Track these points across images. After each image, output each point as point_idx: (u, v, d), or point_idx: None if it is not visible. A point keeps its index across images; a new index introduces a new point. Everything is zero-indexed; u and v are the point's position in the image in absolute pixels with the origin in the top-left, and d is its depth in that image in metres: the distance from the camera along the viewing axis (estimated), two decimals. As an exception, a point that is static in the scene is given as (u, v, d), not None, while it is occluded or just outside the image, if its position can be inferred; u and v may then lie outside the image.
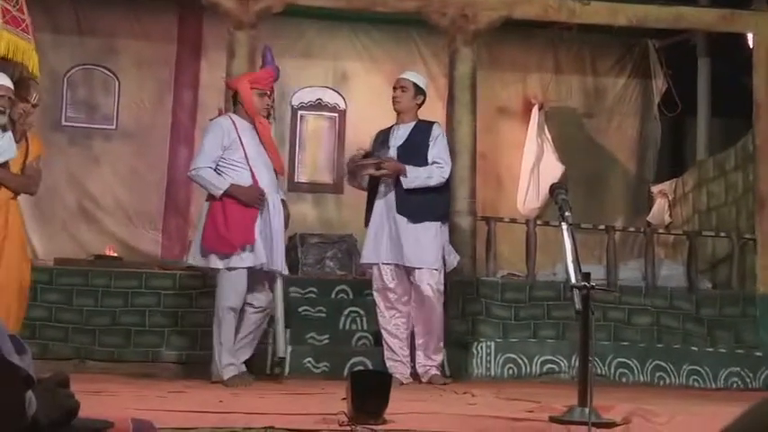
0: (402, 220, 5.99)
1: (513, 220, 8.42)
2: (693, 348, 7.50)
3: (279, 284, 5.96)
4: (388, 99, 9.97)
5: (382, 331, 6.13)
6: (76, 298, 7.16)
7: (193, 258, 5.86)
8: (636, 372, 7.34)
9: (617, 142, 10.55)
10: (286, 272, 6.01)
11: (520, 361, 7.22)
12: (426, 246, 5.97)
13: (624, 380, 7.28)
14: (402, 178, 5.96)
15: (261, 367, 6.90)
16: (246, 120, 5.87)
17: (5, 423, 2.01)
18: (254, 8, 8.16)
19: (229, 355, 5.71)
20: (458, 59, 8.38)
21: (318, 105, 10.14)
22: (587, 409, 3.23)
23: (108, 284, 7.20)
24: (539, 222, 8.07)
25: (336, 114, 10.15)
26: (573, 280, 3.39)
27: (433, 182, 6.01)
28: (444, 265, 6.10)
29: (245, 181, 5.71)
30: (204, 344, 7.04)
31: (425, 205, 5.99)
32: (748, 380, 7.40)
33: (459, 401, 4.56)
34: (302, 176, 10.02)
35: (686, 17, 8.88)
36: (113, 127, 9.74)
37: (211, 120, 6.08)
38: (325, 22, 9.86)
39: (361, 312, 7.21)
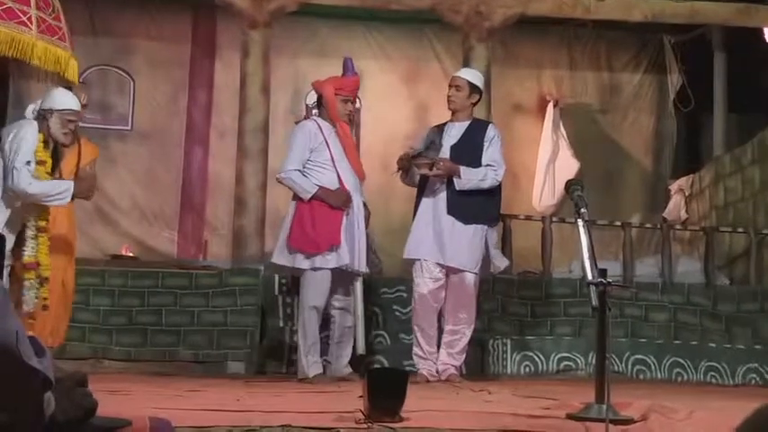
0: (450, 220, 5.92)
1: (528, 217, 8.39)
2: (711, 345, 7.46)
3: (359, 284, 6.02)
4: (402, 97, 10.06)
5: (414, 327, 6.10)
6: (93, 298, 7.18)
7: (279, 257, 5.98)
8: (653, 368, 7.31)
9: (633, 138, 10.51)
10: (366, 270, 6.07)
11: (536, 358, 7.20)
12: (471, 248, 5.91)
13: (641, 377, 7.25)
14: (455, 179, 5.88)
15: (277, 365, 6.92)
16: (330, 123, 6.00)
17: (24, 424, 2.03)
18: (268, 8, 8.19)
19: (315, 353, 5.83)
20: (472, 57, 8.38)
21: (333, 104, 10.13)
22: (605, 406, 3.21)
23: (124, 284, 7.23)
24: (554, 219, 8.05)
25: (351, 113, 10.14)
26: (589, 277, 3.37)
27: (486, 184, 5.92)
28: (491, 267, 6.08)
29: (331, 182, 5.86)
30: (220, 342, 7.07)
31: (475, 207, 5.91)
32: (767, 376, 7.36)
33: (475, 399, 4.55)
34: (317, 175, 10.01)
35: (702, 12, 8.85)
36: (128, 128, 9.78)
37: (297, 122, 6.26)
38: (339, 20, 9.87)
39: (377, 311, 7.21)
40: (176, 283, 7.27)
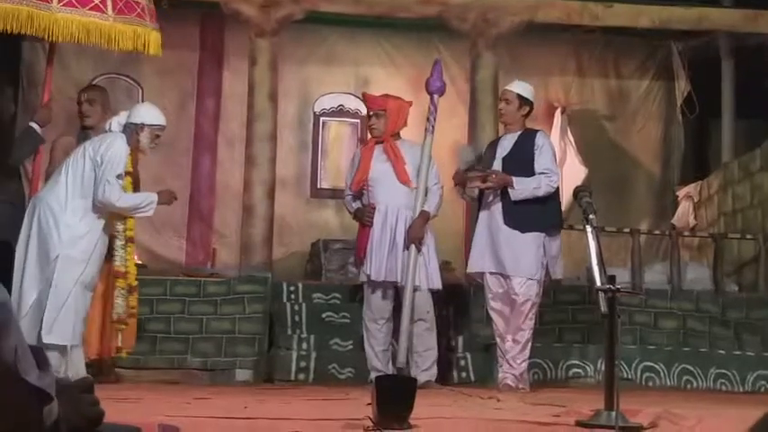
0: (506, 229, 5.95)
1: (536, 224, 8.37)
2: (720, 351, 7.43)
3: (407, 296, 5.92)
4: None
5: (497, 339, 6.10)
6: (102, 306, 7.18)
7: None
8: (662, 375, 7.29)
9: (641, 145, 10.48)
10: (422, 285, 6.09)
11: (545, 366, 7.18)
12: (524, 255, 5.91)
13: (651, 384, 7.23)
14: (510, 190, 5.92)
15: (285, 373, 6.92)
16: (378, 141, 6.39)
17: None
18: (276, 16, 8.20)
19: (376, 361, 6.16)
20: (479, 64, 8.39)
21: (340, 111, 10.14)
22: (614, 413, 3.21)
23: (133, 292, 7.22)
24: (563, 226, 8.02)
25: (358, 120, 10.14)
26: (598, 283, 3.37)
27: (541, 192, 5.95)
28: (547, 275, 6.04)
29: (367, 201, 6.29)
30: (228, 350, 7.07)
31: (531, 215, 5.93)
32: (777, 383, 7.32)
33: (484, 406, 4.54)
34: (324, 183, 10.02)
35: (710, 18, 8.83)
36: (137, 135, 9.78)
37: None
38: (347, 28, 9.87)
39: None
40: (185, 291, 7.27)
